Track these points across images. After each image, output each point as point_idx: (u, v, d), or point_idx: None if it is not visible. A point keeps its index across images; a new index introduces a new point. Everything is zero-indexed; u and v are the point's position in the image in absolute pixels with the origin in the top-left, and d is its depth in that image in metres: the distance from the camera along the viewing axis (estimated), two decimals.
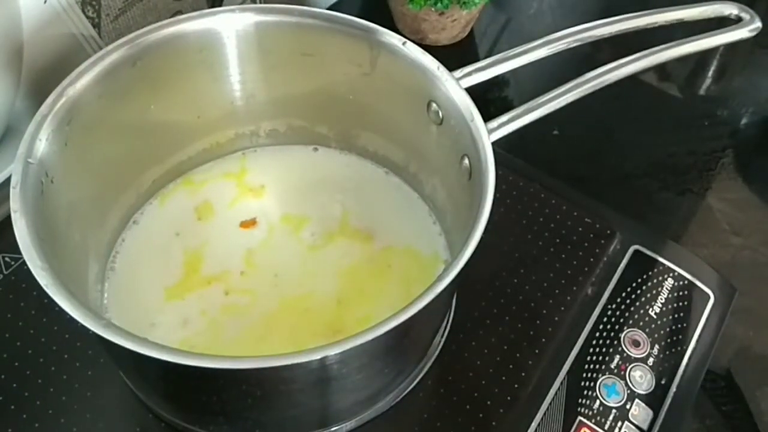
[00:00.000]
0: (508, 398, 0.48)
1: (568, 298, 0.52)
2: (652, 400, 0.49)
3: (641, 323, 0.52)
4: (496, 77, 0.47)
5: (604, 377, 0.49)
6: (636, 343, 0.51)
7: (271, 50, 0.50)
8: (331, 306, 0.48)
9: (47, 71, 0.53)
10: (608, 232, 0.56)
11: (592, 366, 0.50)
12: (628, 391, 0.49)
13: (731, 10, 0.51)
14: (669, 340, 0.52)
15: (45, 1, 0.50)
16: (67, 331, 0.48)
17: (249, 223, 0.53)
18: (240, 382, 0.38)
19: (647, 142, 0.68)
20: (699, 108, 0.73)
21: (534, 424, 0.47)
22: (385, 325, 0.34)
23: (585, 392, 0.49)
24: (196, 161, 0.55)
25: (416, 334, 0.45)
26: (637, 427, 0.48)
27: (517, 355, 0.50)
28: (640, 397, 0.49)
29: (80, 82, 0.43)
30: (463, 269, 0.37)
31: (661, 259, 0.55)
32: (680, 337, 0.52)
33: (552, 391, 0.48)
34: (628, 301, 0.53)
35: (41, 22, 0.51)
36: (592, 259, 0.54)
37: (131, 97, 0.47)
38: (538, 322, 0.51)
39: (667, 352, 0.51)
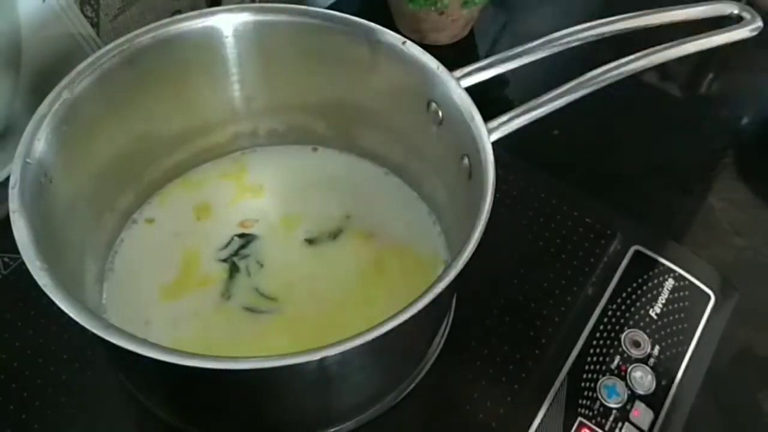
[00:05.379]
0: (508, 398, 0.48)
1: (568, 298, 0.52)
2: (653, 400, 0.49)
3: (642, 324, 0.52)
4: (496, 77, 0.47)
5: (604, 378, 0.49)
6: (636, 344, 0.51)
7: (271, 50, 0.50)
8: (330, 306, 0.48)
9: (46, 71, 0.53)
10: (608, 232, 0.56)
11: (592, 366, 0.50)
12: (629, 392, 0.49)
13: (732, 9, 0.51)
14: (670, 341, 0.52)
15: (43, 1, 0.50)
16: (65, 331, 0.48)
17: (248, 223, 0.52)
18: (239, 382, 0.38)
19: (647, 142, 0.68)
20: (699, 108, 0.73)
21: (534, 425, 0.47)
22: (385, 325, 0.34)
23: (585, 393, 0.49)
24: (195, 161, 0.55)
25: (416, 334, 0.44)
26: (637, 427, 0.48)
27: (517, 355, 0.50)
28: (641, 397, 0.49)
29: (79, 81, 0.43)
30: (463, 269, 0.37)
31: (661, 260, 0.55)
32: (681, 337, 0.52)
33: (552, 392, 0.48)
34: (628, 301, 0.53)
35: (40, 21, 0.51)
36: (592, 259, 0.54)
37: (130, 97, 0.47)
38: (538, 322, 0.51)
39: (668, 353, 0.51)
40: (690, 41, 0.49)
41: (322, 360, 0.34)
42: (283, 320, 0.48)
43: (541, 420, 0.47)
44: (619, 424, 0.48)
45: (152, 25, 0.46)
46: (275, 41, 0.49)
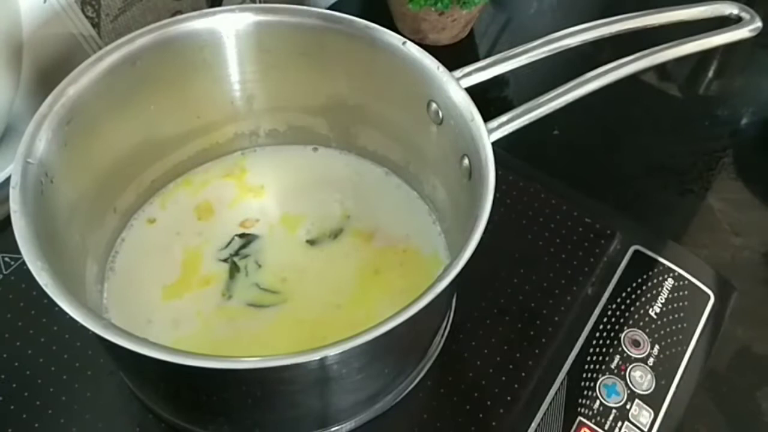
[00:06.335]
0: (508, 398, 0.48)
1: (568, 298, 0.52)
2: (652, 400, 0.49)
3: (641, 323, 0.52)
4: (496, 77, 0.47)
5: (604, 377, 0.49)
6: (636, 343, 0.51)
7: (271, 50, 0.50)
8: (331, 305, 0.48)
9: (47, 71, 0.53)
10: (608, 232, 0.56)
11: (592, 366, 0.50)
12: (628, 391, 0.49)
13: (731, 9, 0.51)
14: (669, 340, 0.52)
15: (45, 1, 0.50)
16: (66, 331, 0.48)
17: (249, 223, 0.53)
18: (240, 382, 0.38)
19: (647, 142, 0.68)
20: (699, 108, 0.73)
21: (534, 424, 0.47)
22: (385, 325, 0.34)
23: (585, 392, 0.49)
24: (196, 161, 0.55)
25: (416, 334, 0.45)
26: (637, 427, 0.48)
27: (517, 355, 0.50)
28: (640, 397, 0.49)
29: (80, 81, 0.43)
30: (463, 269, 0.37)
31: (661, 259, 0.55)
32: (680, 337, 0.52)
33: (552, 391, 0.48)
34: (628, 301, 0.53)
35: (41, 21, 0.51)
36: (592, 259, 0.54)
37: (131, 97, 0.47)
38: (538, 322, 0.51)
39: (667, 352, 0.51)
40: (689, 41, 0.49)
41: (322, 360, 0.34)
42: (282, 320, 0.48)
43: (541, 419, 0.47)
44: (619, 424, 0.48)
45: (153, 26, 0.46)
46: (276, 41, 0.49)
